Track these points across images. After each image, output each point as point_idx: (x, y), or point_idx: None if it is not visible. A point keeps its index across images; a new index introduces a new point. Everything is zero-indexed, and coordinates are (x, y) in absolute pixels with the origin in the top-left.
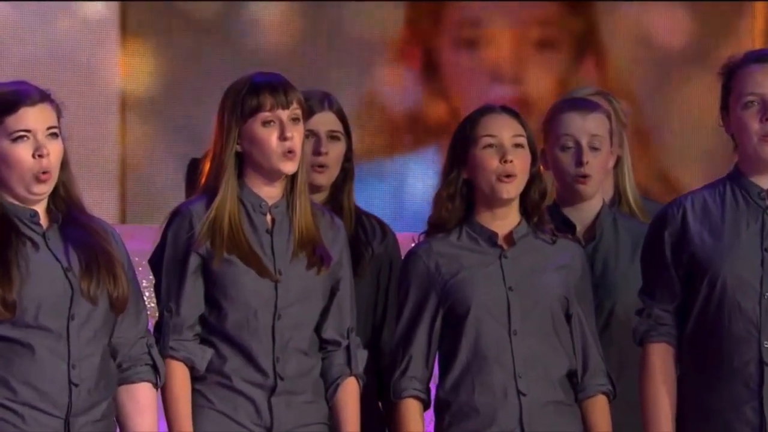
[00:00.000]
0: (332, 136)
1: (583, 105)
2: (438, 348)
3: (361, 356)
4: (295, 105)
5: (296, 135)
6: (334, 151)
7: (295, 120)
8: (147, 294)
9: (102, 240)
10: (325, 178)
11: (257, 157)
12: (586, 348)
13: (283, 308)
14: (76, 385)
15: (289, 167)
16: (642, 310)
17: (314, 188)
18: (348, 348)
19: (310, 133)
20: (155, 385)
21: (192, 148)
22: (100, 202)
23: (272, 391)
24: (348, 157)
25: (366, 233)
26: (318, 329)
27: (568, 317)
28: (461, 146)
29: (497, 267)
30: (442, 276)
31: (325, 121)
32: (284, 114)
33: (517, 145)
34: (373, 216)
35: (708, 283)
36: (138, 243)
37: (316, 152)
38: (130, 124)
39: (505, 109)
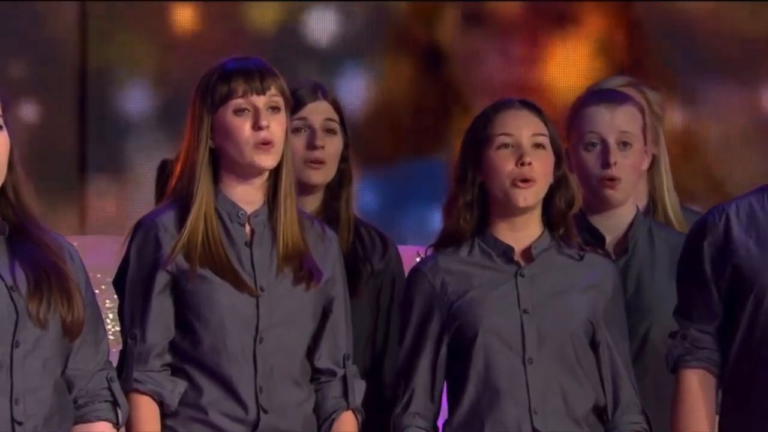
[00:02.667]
0: (328, 129)
1: (611, 97)
2: (446, 378)
3: (359, 388)
4: (273, 91)
5: (274, 125)
6: (332, 146)
7: (274, 109)
8: (111, 316)
9: (54, 255)
10: (321, 176)
11: (231, 152)
12: (617, 380)
13: (265, 330)
14: (20, 423)
15: (265, 160)
16: (677, 332)
17: (308, 188)
18: (344, 378)
19: (302, 126)
20: (115, 425)
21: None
22: (54, 209)
23: (255, 426)
24: (345, 157)
25: (365, 247)
26: (310, 357)
27: (594, 344)
28: (474, 146)
29: (511, 286)
30: (448, 296)
31: (319, 111)
32: (259, 101)
33: (537, 146)
34: (372, 227)
35: (754, 299)
36: (101, 257)
37: (311, 146)
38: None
39: (525, 104)
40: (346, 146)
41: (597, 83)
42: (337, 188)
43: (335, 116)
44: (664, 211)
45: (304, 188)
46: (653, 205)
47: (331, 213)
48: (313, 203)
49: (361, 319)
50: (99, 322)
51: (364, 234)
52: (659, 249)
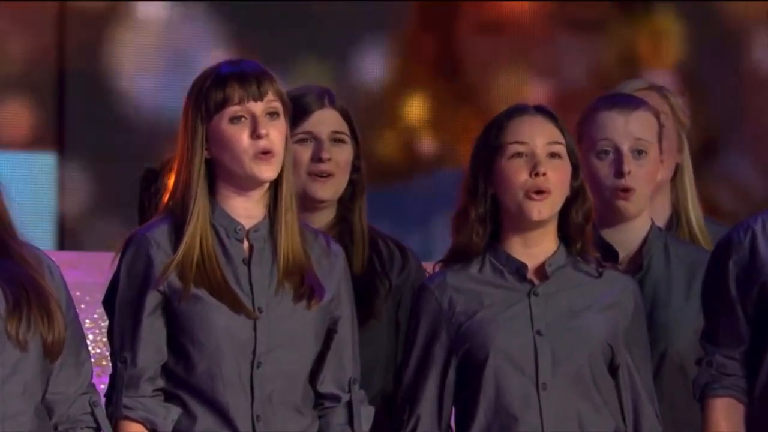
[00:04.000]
0: (336, 139)
1: (624, 101)
2: (454, 404)
3: (367, 414)
4: (271, 96)
5: (274, 132)
6: (340, 156)
7: (272, 115)
8: (91, 337)
9: (33, 271)
10: (330, 190)
11: (228, 163)
12: (639, 406)
13: (263, 354)
14: None
15: (265, 171)
16: (702, 358)
17: (315, 204)
18: (349, 404)
19: (308, 136)
20: None
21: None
22: (32, 223)
23: None
24: (357, 167)
25: (382, 261)
26: (312, 381)
27: (613, 368)
28: (486, 156)
29: (525, 306)
30: (457, 316)
31: (325, 120)
32: (257, 107)
33: (553, 155)
34: (390, 239)
35: None
36: (80, 274)
37: (317, 158)
38: None
39: (540, 110)
40: (357, 156)
41: (615, 86)
42: (349, 201)
43: (344, 125)
44: (688, 224)
45: (311, 203)
46: (676, 218)
47: (345, 227)
48: (325, 218)
49: (380, 341)
50: (81, 342)
51: (382, 247)
52: (675, 266)
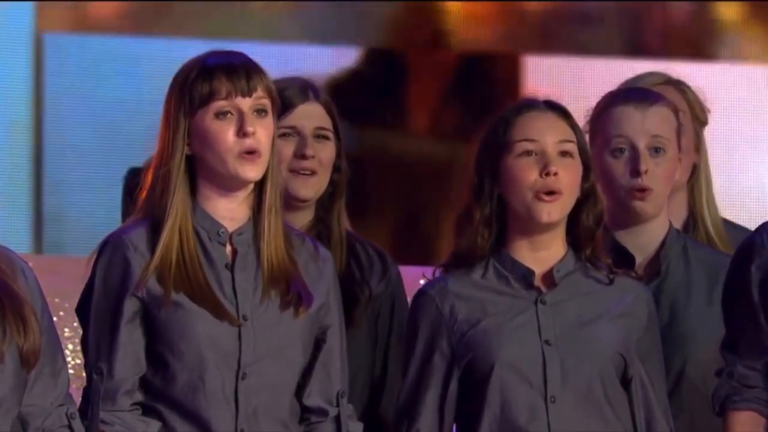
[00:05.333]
0: (319, 135)
1: (641, 96)
2: (456, 418)
3: (355, 429)
4: (260, 92)
5: (261, 131)
6: (323, 153)
7: (260, 112)
8: (70, 347)
9: (6, 276)
10: (312, 189)
11: (210, 161)
12: (652, 421)
13: (249, 365)
14: None
15: (250, 172)
16: (723, 369)
17: (296, 203)
18: (337, 419)
19: (291, 131)
20: None
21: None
22: (7, 226)
23: None
24: (337, 166)
25: (361, 268)
26: (299, 394)
27: (626, 381)
28: (492, 154)
29: (531, 314)
30: (459, 324)
31: (309, 114)
32: (244, 103)
33: (564, 153)
34: (370, 244)
35: None
36: (58, 279)
37: (300, 154)
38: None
39: (551, 106)
40: (338, 154)
41: (629, 80)
42: (328, 202)
43: (328, 121)
44: (705, 228)
45: (291, 202)
46: (693, 222)
47: (323, 229)
48: (303, 218)
49: (358, 352)
50: (57, 351)
51: (360, 252)
52: (695, 271)
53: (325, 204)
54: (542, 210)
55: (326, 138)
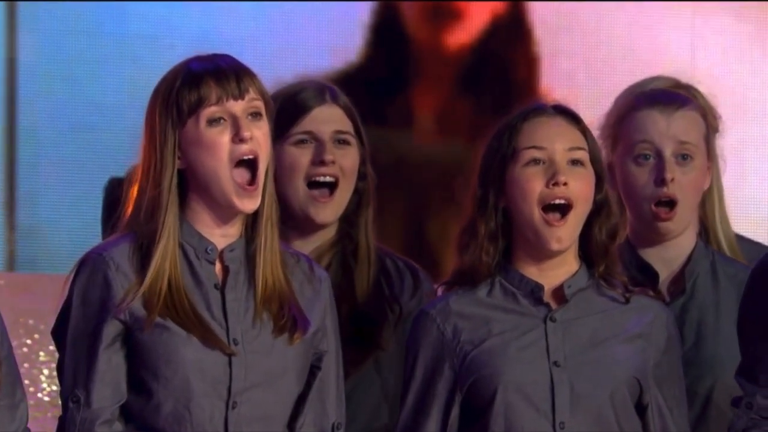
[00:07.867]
0: (339, 140)
1: (667, 99)
2: None
3: None
4: (252, 94)
5: (258, 135)
6: (345, 161)
7: (254, 115)
8: (46, 372)
9: None
10: (332, 211)
11: (204, 173)
12: None
13: (239, 393)
14: None
15: (248, 204)
16: (741, 398)
17: (317, 222)
18: None
19: (307, 137)
20: None
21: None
22: None
23: None
24: (362, 173)
25: (391, 284)
26: (291, 424)
27: (641, 407)
28: (497, 163)
29: (540, 333)
30: (462, 345)
31: (327, 118)
32: (237, 107)
33: (575, 162)
34: (401, 258)
35: None
36: (32, 298)
37: (318, 161)
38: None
39: (560, 111)
40: (363, 161)
41: (634, 85)
42: (354, 214)
43: (348, 124)
44: (717, 243)
45: (311, 222)
46: (705, 235)
47: (348, 244)
48: (324, 235)
49: (387, 373)
50: (16, 381)
51: (390, 267)
52: (724, 288)
53: (349, 216)
54: (551, 237)
55: (347, 143)
